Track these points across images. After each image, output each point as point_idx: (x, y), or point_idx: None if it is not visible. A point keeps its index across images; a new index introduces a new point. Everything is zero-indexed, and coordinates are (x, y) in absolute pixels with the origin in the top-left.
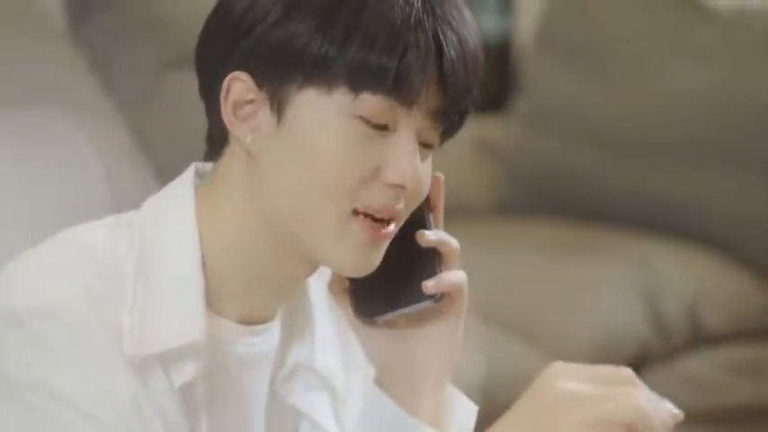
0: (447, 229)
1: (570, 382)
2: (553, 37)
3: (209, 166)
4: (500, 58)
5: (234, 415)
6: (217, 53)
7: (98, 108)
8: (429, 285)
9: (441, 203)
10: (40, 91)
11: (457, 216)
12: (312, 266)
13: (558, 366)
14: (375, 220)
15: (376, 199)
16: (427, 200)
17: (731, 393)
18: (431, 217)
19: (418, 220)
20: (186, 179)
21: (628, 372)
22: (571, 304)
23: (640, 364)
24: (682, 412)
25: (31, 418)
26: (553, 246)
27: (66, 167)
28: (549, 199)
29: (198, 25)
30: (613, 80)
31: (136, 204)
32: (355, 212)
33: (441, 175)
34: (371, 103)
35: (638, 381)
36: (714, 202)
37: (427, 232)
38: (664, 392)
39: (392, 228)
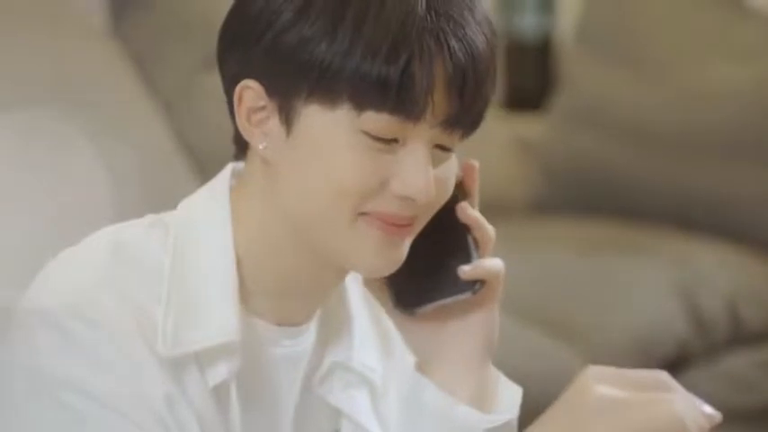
0: None
1: (607, 387)
2: (593, 35)
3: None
4: (540, 56)
5: (266, 414)
6: (231, 59)
7: (133, 108)
8: (466, 270)
9: (475, 191)
10: (81, 90)
11: (495, 214)
12: (340, 272)
13: (595, 370)
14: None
15: (385, 208)
16: (462, 187)
17: None
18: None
19: (452, 209)
20: (222, 179)
21: (664, 375)
22: (610, 303)
23: (680, 362)
24: (719, 414)
25: (66, 419)
26: (592, 244)
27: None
28: (587, 197)
29: None
30: (653, 78)
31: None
32: (362, 213)
33: (475, 163)
34: (376, 120)
35: (674, 384)
36: (754, 199)
37: (468, 206)
38: (704, 391)
39: (409, 228)
